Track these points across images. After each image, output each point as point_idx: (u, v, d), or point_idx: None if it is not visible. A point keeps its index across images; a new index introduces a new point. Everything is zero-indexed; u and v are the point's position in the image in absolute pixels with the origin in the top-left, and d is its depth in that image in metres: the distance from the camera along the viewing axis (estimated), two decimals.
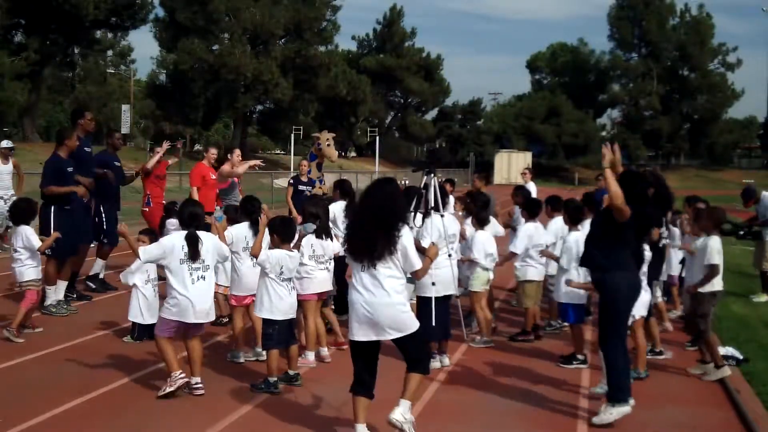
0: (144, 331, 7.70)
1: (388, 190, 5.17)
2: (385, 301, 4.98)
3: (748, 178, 61.67)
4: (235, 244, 7.10)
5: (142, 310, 7.58)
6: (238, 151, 11.42)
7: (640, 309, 6.70)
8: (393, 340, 5.07)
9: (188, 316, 6.07)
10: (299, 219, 7.74)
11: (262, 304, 6.36)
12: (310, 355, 7.19)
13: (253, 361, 7.24)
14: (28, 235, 7.99)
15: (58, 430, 5.50)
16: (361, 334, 5.04)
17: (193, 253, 6.05)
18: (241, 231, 7.20)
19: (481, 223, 8.36)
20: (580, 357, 7.47)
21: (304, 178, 12.22)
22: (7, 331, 7.72)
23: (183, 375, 6.12)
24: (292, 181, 12.34)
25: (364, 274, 5.03)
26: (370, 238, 5.00)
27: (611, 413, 5.67)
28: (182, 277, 6.03)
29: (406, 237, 5.06)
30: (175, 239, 6.16)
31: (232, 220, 7.82)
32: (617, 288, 5.75)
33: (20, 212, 8.17)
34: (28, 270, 7.95)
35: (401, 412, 5.06)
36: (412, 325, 5.08)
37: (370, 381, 5.12)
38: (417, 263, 5.08)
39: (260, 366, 6.92)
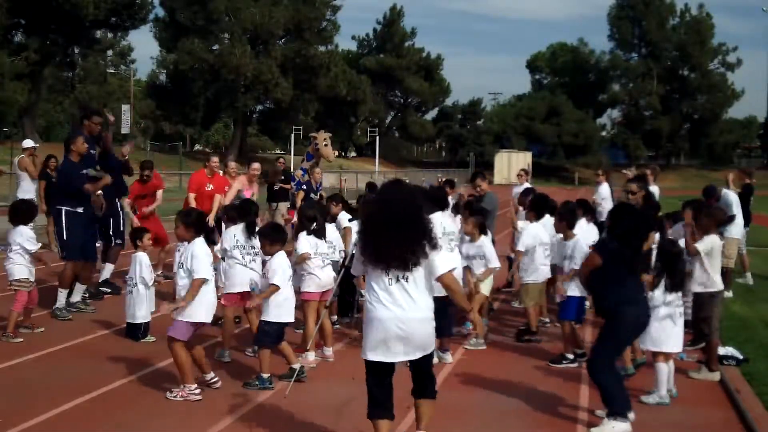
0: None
1: (409, 191, 4.79)
2: (420, 316, 4.61)
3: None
4: (228, 242, 7.19)
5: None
6: (256, 165, 11.10)
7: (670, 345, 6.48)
8: (416, 360, 4.74)
9: (208, 316, 6.22)
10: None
11: (268, 307, 6.41)
12: (310, 355, 7.19)
13: (252, 356, 7.27)
14: (27, 237, 7.96)
15: (58, 430, 5.50)
16: (389, 355, 4.62)
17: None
18: (233, 231, 7.26)
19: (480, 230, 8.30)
20: (569, 356, 7.48)
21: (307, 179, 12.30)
22: (4, 337, 7.74)
23: (198, 392, 6.13)
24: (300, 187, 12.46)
25: (394, 287, 4.58)
26: (403, 246, 4.53)
27: (613, 427, 5.64)
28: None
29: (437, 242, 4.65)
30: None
31: (232, 220, 7.88)
32: (625, 321, 5.73)
33: (19, 213, 8.14)
34: (20, 268, 7.92)
35: None
36: (434, 342, 4.84)
37: (390, 402, 4.77)
38: (441, 268, 4.67)
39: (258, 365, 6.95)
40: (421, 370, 4.84)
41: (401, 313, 4.55)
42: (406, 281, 4.57)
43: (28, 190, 13.29)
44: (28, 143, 14.17)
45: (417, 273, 4.58)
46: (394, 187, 4.86)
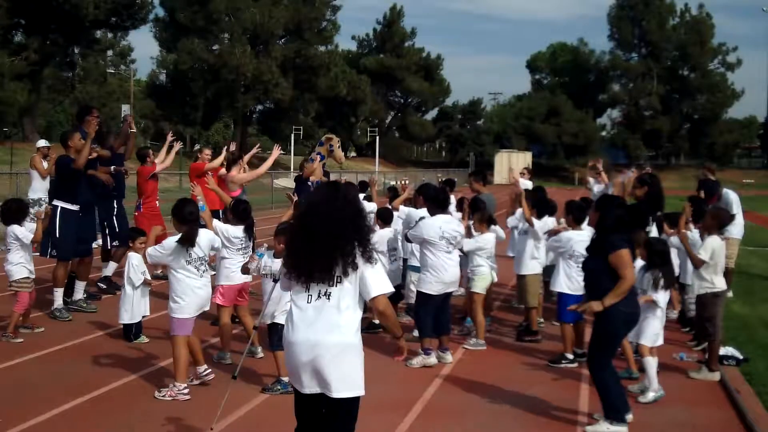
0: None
1: (343, 195, 4.01)
2: (336, 340, 3.86)
3: (748, 178, 61.87)
4: (231, 242, 7.18)
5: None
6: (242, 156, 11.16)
7: (651, 338, 6.62)
8: (330, 399, 3.91)
9: (202, 307, 6.29)
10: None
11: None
12: None
13: (249, 357, 7.25)
14: (17, 233, 7.89)
15: (58, 430, 5.50)
16: (305, 383, 3.94)
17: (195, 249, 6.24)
18: (233, 231, 7.24)
19: (488, 223, 8.34)
20: (568, 356, 7.48)
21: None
22: (4, 337, 7.74)
23: (187, 392, 6.15)
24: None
25: (313, 305, 3.92)
26: (327, 255, 3.88)
27: (607, 428, 5.64)
28: (194, 272, 6.18)
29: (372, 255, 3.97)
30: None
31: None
32: (614, 317, 5.66)
33: (10, 213, 8.03)
34: (19, 268, 7.90)
35: None
36: (360, 386, 3.94)
37: None
38: (375, 289, 3.93)
39: (258, 366, 6.95)
40: (335, 420, 3.95)
41: (314, 336, 3.85)
42: (328, 299, 3.89)
43: (38, 189, 13.35)
44: (41, 143, 14.28)
45: (343, 290, 3.89)
46: (324, 190, 4.16)
